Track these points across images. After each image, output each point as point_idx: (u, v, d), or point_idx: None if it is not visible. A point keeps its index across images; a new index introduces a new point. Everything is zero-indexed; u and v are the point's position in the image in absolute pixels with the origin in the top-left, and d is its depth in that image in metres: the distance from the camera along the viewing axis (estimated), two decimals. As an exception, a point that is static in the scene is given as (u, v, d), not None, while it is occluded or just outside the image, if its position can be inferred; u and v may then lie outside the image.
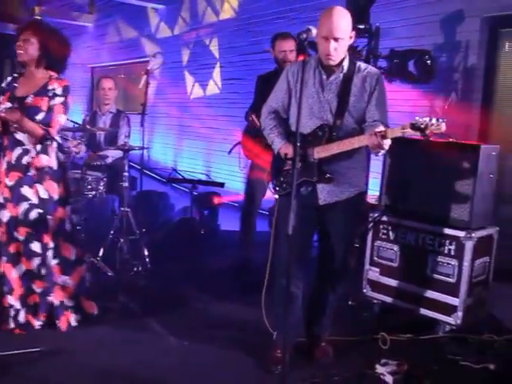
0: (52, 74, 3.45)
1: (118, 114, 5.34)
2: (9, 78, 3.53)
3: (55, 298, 3.49)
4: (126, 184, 4.55)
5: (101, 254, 4.55)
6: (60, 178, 3.48)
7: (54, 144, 3.47)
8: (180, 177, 5.06)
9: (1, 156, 3.47)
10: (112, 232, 4.61)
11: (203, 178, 7.38)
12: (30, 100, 3.34)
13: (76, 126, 5.09)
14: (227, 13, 8.24)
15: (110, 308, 3.90)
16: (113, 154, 5.07)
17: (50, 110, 3.36)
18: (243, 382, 3.06)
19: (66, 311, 3.51)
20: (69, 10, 11.64)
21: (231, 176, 7.31)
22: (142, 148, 4.54)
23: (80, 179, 4.65)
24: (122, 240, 4.59)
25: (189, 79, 9.26)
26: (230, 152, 4.97)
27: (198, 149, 8.96)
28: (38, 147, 3.39)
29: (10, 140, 3.40)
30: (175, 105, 9.48)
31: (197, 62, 8.98)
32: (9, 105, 3.33)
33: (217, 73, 8.63)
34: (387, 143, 2.69)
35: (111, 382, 2.98)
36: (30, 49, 3.36)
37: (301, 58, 4.27)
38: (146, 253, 4.65)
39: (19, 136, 3.36)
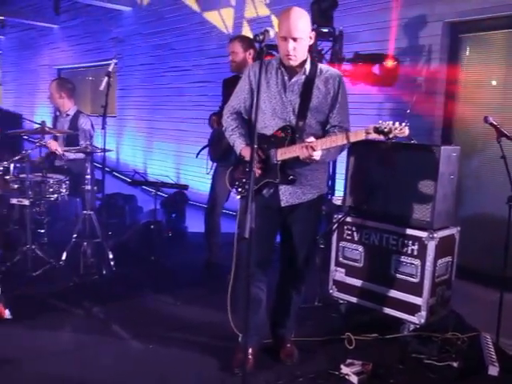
0: None
1: (76, 116, 5.23)
2: None
3: None
4: (88, 187, 4.47)
5: (64, 258, 4.47)
6: None
7: None
8: (142, 179, 5.00)
9: None
10: (75, 235, 4.53)
11: (173, 180, 7.29)
12: None
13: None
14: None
15: (74, 313, 3.86)
16: (73, 157, 4.96)
17: None
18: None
19: None
20: (32, 11, 11.42)
21: (202, 178, 7.26)
22: (104, 150, 4.47)
23: (41, 182, 4.56)
24: (85, 243, 4.50)
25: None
26: (197, 155, 4.94)
27: (168, 151, 8.91)
28: None
29: None
30: (144, 107, 9.41)
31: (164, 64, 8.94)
32: None
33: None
34: (317, 154, 2.75)
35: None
36: None
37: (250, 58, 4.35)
38: (111, 256, 4.58)
39: None
